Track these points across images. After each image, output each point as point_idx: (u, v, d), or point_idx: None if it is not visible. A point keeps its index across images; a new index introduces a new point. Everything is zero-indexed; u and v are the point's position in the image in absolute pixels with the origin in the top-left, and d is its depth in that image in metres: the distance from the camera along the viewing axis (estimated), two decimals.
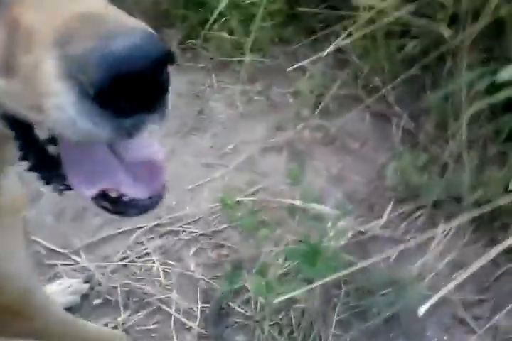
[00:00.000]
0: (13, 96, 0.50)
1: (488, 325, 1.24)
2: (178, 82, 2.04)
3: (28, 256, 0.82)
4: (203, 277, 1.48)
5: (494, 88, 1.49)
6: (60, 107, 0.46)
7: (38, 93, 0.47)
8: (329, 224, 1.30)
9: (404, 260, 1.46)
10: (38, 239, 1.57)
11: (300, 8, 1.95)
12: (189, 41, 2.18)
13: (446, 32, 1.50)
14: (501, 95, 1.38)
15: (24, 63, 0.47)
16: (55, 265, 1.53)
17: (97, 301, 1.45)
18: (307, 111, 1.85)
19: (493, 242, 1.45)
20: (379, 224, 1.54)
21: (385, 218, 1.55)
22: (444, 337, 1.31)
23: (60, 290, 1.43)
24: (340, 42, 1.54)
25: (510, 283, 1.36)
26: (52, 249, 1.56)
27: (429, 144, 1.65)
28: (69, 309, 1.41)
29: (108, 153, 0.59)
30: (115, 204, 0.58)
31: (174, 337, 1.37)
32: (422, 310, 0.72)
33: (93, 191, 0.57)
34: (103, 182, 0.57)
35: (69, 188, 0.60)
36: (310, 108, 1.86)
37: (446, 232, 1.47)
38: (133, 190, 0.57)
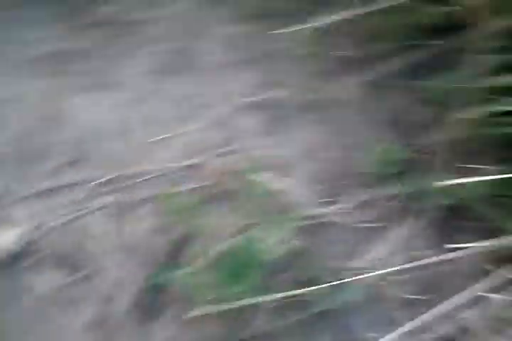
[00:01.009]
0: None
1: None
2: None
3: None
4: (147, 243, 1.44)
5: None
6: None
7: None
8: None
9: (356, 250, 1.42)
10: None
11: None
12: None
13: None
14: None
15: None
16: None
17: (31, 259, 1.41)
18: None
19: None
20: (339, 209, 1.48)
21: (345, 204, 1.48)
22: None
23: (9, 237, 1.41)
24: None
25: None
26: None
27: (416, 136, 1.54)
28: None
29: None
30: None
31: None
32: None
33: None
34: None
35: None
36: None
37: (404, 228, 1.42)
38: None
